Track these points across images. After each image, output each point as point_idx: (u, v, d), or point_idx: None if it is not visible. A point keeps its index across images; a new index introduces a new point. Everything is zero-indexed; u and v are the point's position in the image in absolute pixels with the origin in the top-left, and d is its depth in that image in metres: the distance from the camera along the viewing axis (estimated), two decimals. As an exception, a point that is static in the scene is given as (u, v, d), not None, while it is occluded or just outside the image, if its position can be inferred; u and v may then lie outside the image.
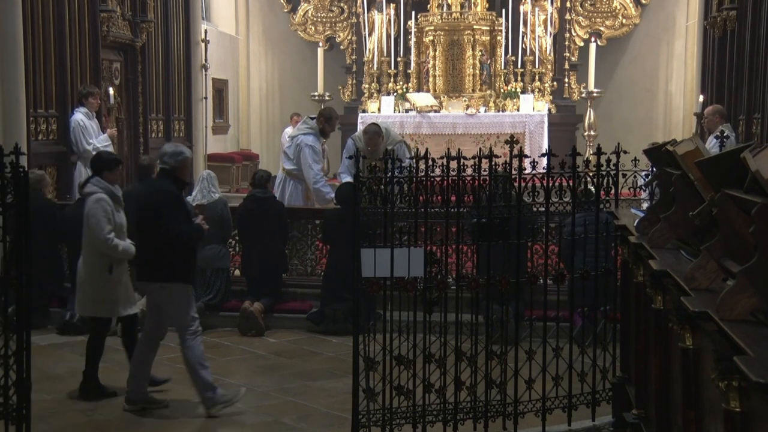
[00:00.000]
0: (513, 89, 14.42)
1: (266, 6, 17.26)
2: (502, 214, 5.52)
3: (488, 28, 14.55)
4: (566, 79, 15.32)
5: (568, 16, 15.40)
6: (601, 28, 15.59)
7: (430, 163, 5.30)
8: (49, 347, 7.69)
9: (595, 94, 13.86)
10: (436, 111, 14.15)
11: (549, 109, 14.30)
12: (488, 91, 14.46)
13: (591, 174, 5.69)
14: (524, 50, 14.68)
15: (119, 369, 6.79)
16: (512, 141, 5.58)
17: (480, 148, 5.70)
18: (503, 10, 14.47)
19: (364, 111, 14.63)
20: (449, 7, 14.51)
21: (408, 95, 14.46)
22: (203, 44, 14.87)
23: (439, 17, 14.60)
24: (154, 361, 6.27)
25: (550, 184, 5.49)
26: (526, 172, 5.48)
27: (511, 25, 14.47)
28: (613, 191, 5.72)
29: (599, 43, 14.89)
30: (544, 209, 5.56)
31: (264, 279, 8.48)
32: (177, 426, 5.98)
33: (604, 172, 5.67)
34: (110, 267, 6.28)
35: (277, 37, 17.26)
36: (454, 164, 5.34)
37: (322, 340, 7.98)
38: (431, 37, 14.58)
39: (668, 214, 4.09)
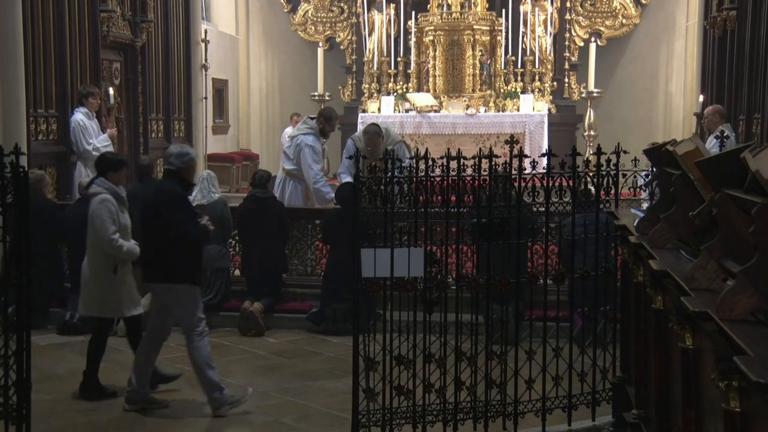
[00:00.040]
0: (513, 89, 14.42)
1: (266, 6, 17.26)
2: (502, 214, 5.52)
3: (488, 28, 14.55)
4: (566, 79, 15.32)
5: (568, 16, 15.40)
6: (601, 28, 15.60)
7: (430, 163, 5.30)
8: (49, 347, 7.70)
9: (595, 94, 13.86)
10: (436, 111, 14.15)
11: (549, 109, 14.30)
12: (488, 91, 14.46)
13: (591, 174, 5.69)
14: (524, 50, 14.69)
15: (119, 369, 6.80)
16: (512, 141, 5.58)
17: (480, 148, 5.70)
18: (503, 10, 14.47)
19: (364, 111, 14.63)
20: (449, 7, 14.51)
21: (408, 95, 14.46)
22: (203, 44, 14.87)
23: (439, 17, 14.60)
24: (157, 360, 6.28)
25: (550, 184, 5.49)
26: (526, 172, 5.48)
27: (511, 25, 14.47)
28: (613, 191, 5.72)
29: (599, 43, 14.90)
30: (544, 209, 5.56)
31: (264, 279, 8.48)
32: (177, 426, 5.98)
33: (604, 172, 5.67)
34: (115, 267, 6.29)
35: (277, 37, 17.26)
36: (454, 164, 5.34)
37: (322, 340, 7.98)
38: (431, 37, 14.58)
39: (668, 214, 4.09)
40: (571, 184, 5.56)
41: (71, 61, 10.32)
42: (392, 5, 15.04)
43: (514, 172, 5.45)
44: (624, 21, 15.65)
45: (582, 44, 15.33)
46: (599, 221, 5.75)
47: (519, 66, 14.65)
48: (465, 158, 5.38)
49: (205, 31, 15.05)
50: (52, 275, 8.45)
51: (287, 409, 6.19)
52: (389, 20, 15.00)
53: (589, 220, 5.78)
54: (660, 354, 4.01)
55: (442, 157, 5.32)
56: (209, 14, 16.30)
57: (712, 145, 7.98)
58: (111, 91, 11.30)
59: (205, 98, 15.02)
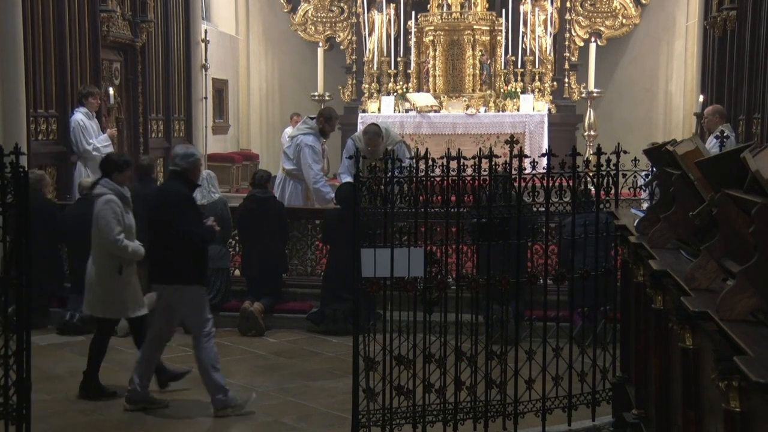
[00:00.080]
0: (513, 89, 14.42)
1: (266, 6, 17.26)
2: (502, 214, 5.52)
3: (488, 28, 14.55)
4: (566, 79, 15.32)
5: (568, 16, 15.40)
6: (601, 28, 15.59)
7: (430, 163, 5.30)
8: (49, 347, 7.70)
9: (595, 94, 13.86)
10: (436, 111, 14.15)
11: (549, 109, 14.30)
12: (488, 91, 14.46)
13: (591, 174, 5.69)
14: (524, 50, 14.69)
15: (119, 369, 6.81)
16: (512, 141, 5.58)
17: (480, 148, 5.70)
18: (503, 10, 14.47)
19: (364, 111, 14.63)
20: (449, 7, 14.51)
21: (408, 95, 14.46)
22: (203, 44, 14.87)
23: (439, 17, 14.60)
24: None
25: (550, 184, 5.49)
26: (526, 172, 5.48)
27: (511, 25, 14.47)
28: (613, 191, 5.72)
29: (599, 43, 14.89)
30: (544, 209, 5.56)
31: (264, 279, 8.49)
32: (178, 426, 5.98)
33: (604, 172, 5.67)
34: (120, 268, 6.30)
35: (277, 37, 17.26)
36: (454, 164, 5.34)
37: (322, 340, 7.98)
38: (431, 37, 14.58)
39: (668, 214, 4.09)
40: (571, 184, 5.56)
41: (71, 61, 10.32)
42: (392, 5, 15.04)
43: (514, 172, 5.45)
44: (624, 21, 15.65)
45: (582, 44, 15.33)
46: (599, 221, 5.75)
47: (519, 66, 14.65)
48: (465, 158, 5.38)
49: (205, 31, 15.05)
50: (52, 275, 8.45)
51: (287, 409, 6.19)
52: (389, 20, 15.00)
53: (589, 220, 5.78)
54: (660, 354, 4.01)
55: (442, 157, 5.32)
56: (209, 14, 16.30)
57: (712, 145, 7.98)
58: (111, 91, 11.30)
59: (205, 98, 15.02)
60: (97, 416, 6.05)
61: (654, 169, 5.38)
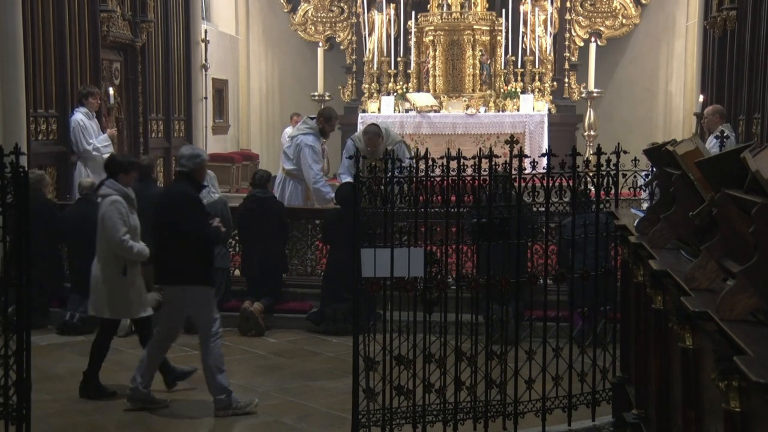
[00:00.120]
0: (513, 89, 14.42)
1: (266, 6, 17.26)
2: (502, 214, 5.52)
3: (488, 28, 14.55)
4: (566, 79, 15.32)
5: (568, 16, 15.40)
6: (601, 28, 15.59)
7: (430, 163, 5.30)
8: (49, 347, 7.70)
9: (595, 94, 13.86)
10: (436, 111, 14.15)
11: (549, 109, 14.30)
12: (488, 91, 14.46)
13: (591, 174, 5.69)
14: (524, 50, 14.68)
15: (119, 369, 6.81)
16: (512, 141, 5.58)
17: (480, 148, 5.70)
18: (503, 10, 14.47)
19: (364, 111, 14.64)
20: (449, 7, 14.51)
21: (408, 95, 14.46)
22: (203, 44, 14.88)
23: (439, 17, 14.60)
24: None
25: (550, 184, 5.49)
26: (526, 172, 5.48)
27: (511, 25, 14.47)
28: (613, 191, 5.72)
29: (599, 43, 14.90)
30: (544, 209, 5.56)
31: (264, 279, 8.48)
32: (178, 426, 5.98)
33: (604, 172, 5.67)
34: (124, 269, 6.30)
35: (277, 37, 17.26)
36: (454, 164, 5.34)
37: (322, 340, 7.98)
38: (431, 37, 14.58)
39: (668, 214, 4.09)
40: (571, 184, 5.56)
41: (71, 61, 10.32)
42: (392, 5, 15.04)
43: (514, 172, 5.45)
44: (624, 21, 15.65)
45: (582, 44, 15.33)
46: (599, 221, 5.75)
47: (519, 66, 14.65)
48: (465, 158, 5.38)
49: (205, 31, 15.05)
50: (52, 275, 8.45)
51: (287, 409, 6.19)
52: (389, 20, 15.00)
53: (589, 220, 5.78)
54: (660, 354, 4.01)
55: (442, 157, 5.32)
56: (209, 14, 16.30)
57: (712, 145, 7.98)
58: (111, 91, 11.31)
59: (205, 98, 15.03)
60: (97, 416, 6.05)
61: (654, 169, 5.38)
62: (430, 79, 14.64)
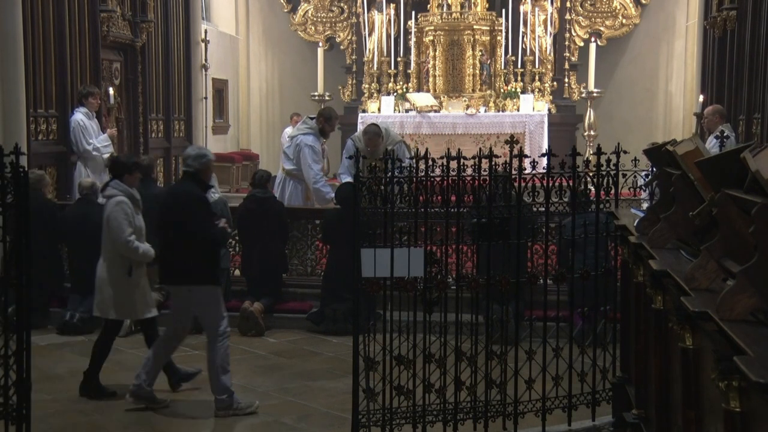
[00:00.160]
0: (513, 89, 14.42)
1: (266, 6, 17.26)
2: (502, 214, 5.52)
3: (488, 28, 14.55)
4: (566, 79, 15.32)
5: (568, 16, 15.40)
6: (601, 28, 15.60)
7: (430, 163, 5.30)
8: (49, 347, 7.70)
9: (595, 94, 13.86)
10: (436, 111, 14.15)
11: (549, 109, 14.30)
12: (488, 91, 14.46)
13: (591, 174, 5.69)
14: (524, 50, 14.69)
15: (119, 369, 6.81)
16: (512, 141, 5.58)
17: (480, 148, 5.70)
18: (503, 10, 14.47)
19: (364, 111, 14.64)
20: (449, 7, 14.51)
21: (408, 95, 14.46)
22: (203, 44, 14.88)
23: (439, 17, 14.60)
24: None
25: (550, 184, 5.49)
26: (526, 172, 5.48)
27: (511, 25, 14.47)
28: (613, 191, 5.72)
29: (599, 43, 14.90)
30: (544, 209, 5.56)
31: (264, 279, 8.48)
32: (178, 426, 5.98)
33: (604, 172, 5.67)
34: (129, 270, 6.30)
35: (277, 37, 17.26)
36: (454, 164, 5.34)
37: (322, 340, 7.98)
38: (431, 37, 14.58)
39: (668, 214, 4.09)
40: (571, 184, 5.56)
41: (71, 61, 10.32)
42: (392, 5, 15.04)
43: (514, 172, 5.45)
44: (624, 21, 15.65)
45: (582, 44, 15.33)
46: (599, 221, 5.75)
47: (519, 66, 14.65)
48: (465, 158, 5.38)
49: (205, 31, 15.05)
50: (52, 275, 8.45)
51: (287, 409, 6.19)
52: (389, 20, 15.01)
53: (589, 220, 5.78)
54: (660, 354, 4.01)
55: (442, 157, 5.32)
56: (209, 14, 16.30)
57: (712, 145, 7.98)
58: (111, 91, 11.30)
59: (205, 98, 15.03)
60: (97, 416, 6.05)
61: (654, 169, 5.38)
62: (430, 79, 14.64)
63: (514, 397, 5.50)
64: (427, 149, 5.53)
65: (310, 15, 16.37)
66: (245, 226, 8.61)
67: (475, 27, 14.42)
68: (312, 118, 9.76)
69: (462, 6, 14.49)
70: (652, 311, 4.07)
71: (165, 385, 6.43)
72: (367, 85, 15.06)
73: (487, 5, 14.86)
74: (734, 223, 2.99)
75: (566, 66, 15.37)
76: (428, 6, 14.96)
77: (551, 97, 14.71)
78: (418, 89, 14.73)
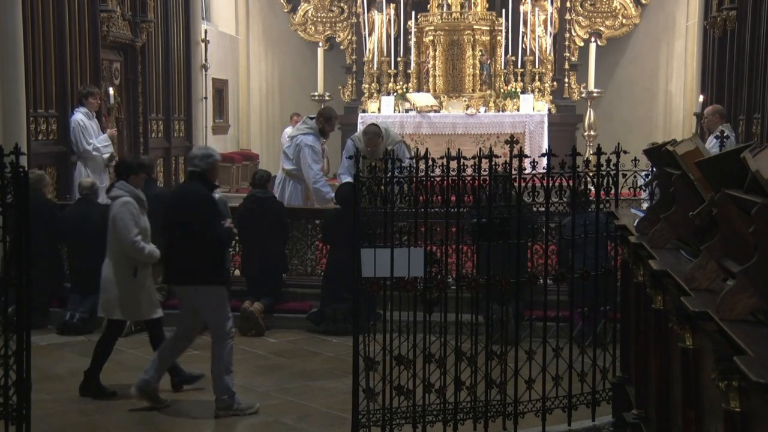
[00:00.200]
0: (513, 89, 14.42)
1: (266, 6, 17.26)
2: (502, 214, 5.52)
3: (488, 28, 14.55)
4: (566, 79, 15.33)
5: (568, 16, 15.41)
6: (601, 28, 15.60)
7: (430, 163, 5.30)
8: (49, 347, 7.70)
9: (595, 94, 13.87)
10: (436, 111, 14.15)
11: (549, 109, 14.30)
12: (488, 91, 14.46)
13: (591, 174, 5.69)
14: (524, 50, 14.69)
15: (119, 369, 6.81)
16: (512, 141, 5.58)
17: (480, 148, 5.70)
18: (503, 10, 14.48)
19: (364, 111, 14.64)
20: (449, 7, 14.51)
21: (408, 95, 14.46)
22: (203, 44, 14.88)
23: (439, 17, 14.60)
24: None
25: (550, 184, 5.49)
26: (526, 172, 5.48)
27: (511, 25, 14.47)
28: (613, 191, 5.72)
29: (599, 43, 14.90)
30: (544, 209, 5.56)
31: (264, 279, 8.48)
32: (178, 425, 5.98)
33: (604, 172, 5.67)
34: (135, 270, 6.31)
35: (277, 37, 17.26)
36: (454, 164, 5.33)
37: (322, 340, 7.98)
38: (431, 37, 14.58)
39: (668, 214, 4.09)
40: (571, 184, 5.56)
41: (71, 61, 10.32)
42: (392, 5, 15.04)
43: (514, 172, 5.45)
44: (624, 21, 15.65)
45: (582, 44, 15.33)
46: (599, 221, 5.75)
47: (519, 66, 14.66)
48: (465, 158, 5.38)
49: (205, 31, 15.05)
50: (52, 275, 8.44)
51: (287, 409, 6.19)
52: (389, 20, 15.01)
53: (589, 220, 5.78)
54: (660, 354, 4.01)
55: (442, 157, 5.32)
56: (209, 14, 16.30)
57: (712, 145, 7.98)
58: (111, 91, 11.30)
59: (205, 98, 15.03)
60: (97, 416, 6.05)
61: (654, 169, 5.38)
62: (430, 79, 14.64)
63: (514, 397, 5.50)
64: (427, 149, 5.52)
65: (310, 15, 16.37)
66: (245, 226, 8.60)
67: (475, 27, 14.43)
68: (312, 118, 9.76)
69: (462, 6, 14.49)
70: (652, 311, 4.07)
71: (166, 385, 6.42)
72: (367, 85, 15.06)
73: (487, 5, 14.86)
74: (734, 223, 2.99)
75: (566, 66, 15.37)
76: (428, 6, 14.96)
77: (551, 97, 14.71)
78: (418, 89, 14.73)
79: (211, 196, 6.09)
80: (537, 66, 14.60)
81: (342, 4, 16.27)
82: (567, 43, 15.43)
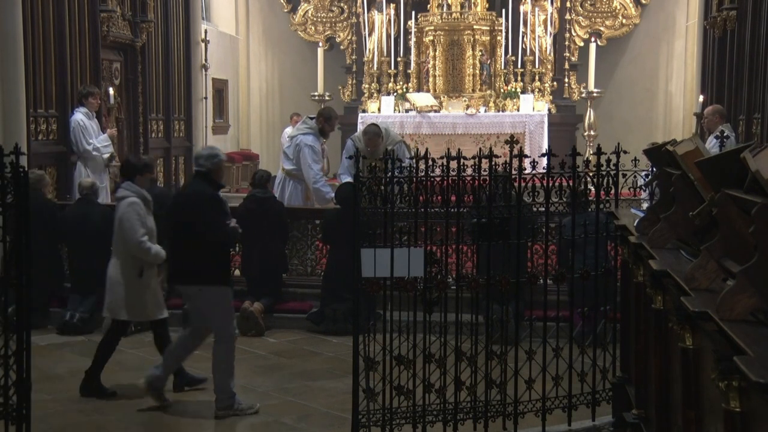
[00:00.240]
0: (513, 89, 14.42)
1: (266, 6, 17.26)
2: (502, 214, 5.52)
3: (488, 28, 14.55)
4: (566, 79, 15.32)
5: (568, 16, 15.40)
6: (601, 28, 15.60)
7: (430, 163, 5.30)
8: (49, 347, 7.70)
9: (595, 94, 13.86)
10: (436, 111, 14.15)
11: (549, 109, 14.30)
12: (488, 91, 14.46)
13: (591, 174, 5.69)
14: (524, 50, 14.69)
15: (120, 369, 6.81)
16: (512, 141, 5.58)
17: (480, 148, 5.70)
18: (503, 10, 14.47)
19: (364, 111, 14.64)
20: (449, 7, 14.51)
21: (408, 95, 14.46)
22: (203, 44, 14.87)
23: (439, 17, 14.60)
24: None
25: (550, 184, 5.49)
26: (526, 172, 5.48)
27: (511, 25, 14.47)
28: (613, 191, 5.72)
29: (599, 43, 14.90)
30: (544, 209, 5.56)
31: (264, 279, 8.48)
32: (178, 425, 5.99)
33: (604, 172, 5.67)
34: (140, 271, 6.31)
35: (277, 37, 17.26)
36: (454, 164, 5.34)
37: (322, 340, 7.98)
38: (431, 37, 14.58)
39: (668, 214, 4.09)
40: (571, 184, 5.56)
41: (71, 61, 10.31)
42: (392, 5, 15.04)
43: (514, 172, 5.45)
44: (624, 21, 15.65)
45: (582, 44, 15.33)
46: (599, 221, 5.75)
47: (519, 66, 14.65)
48: (465, 158, 5.38)
49: (205, 31, 15.05)
50: (52, 275, 8.44)
51: (287, 409, 6.19)
52: (389, 20, 15.01)
53: (589, 220, 5.78)
54: (660, 354, 4.01)
55: (442, 157, 5.32)
56: (209, 14, 16.30)
57: (712, 145, 7.98)
58: (111, 91, 11.30)
59: (205, 98, 15.03)
60: (97, 416, 6.05)
61: (654, 169, 5.38)
62: (430, 79, 14.64)
63: (514, 397, 5.50)
64: (427, 149, 5.52)
65: (310, 15, 16.37)
66: (245, 226, 8.54)
67: (475, 27, 14.42)
68: (312, 118, 9.76)
69: (462, 6, 14.49)
70: (652, 311, 4.07)
71: (168, 385, 6.42)
72: (367, 85, 15.06)
73: (487, 5, 14.86)
74: (734, 223, 2.99)
75: (566, 66, 15.37)
76: (428, 6, 14.95)
77: (551, 97, 14.71)
78: (418, 89, 14.73)
79: (216, 196, 6.09)
80: (537, 66, 14.60)
81: (342, 4, 16.27)
82: (567, 43, 15.43)
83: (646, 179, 5.76)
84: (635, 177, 5.75)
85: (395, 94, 14.62)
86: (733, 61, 10.92)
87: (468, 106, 14.08)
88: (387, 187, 5.27)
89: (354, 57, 15.93)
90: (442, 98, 14.35)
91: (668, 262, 3.74)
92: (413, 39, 14.83)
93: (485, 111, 14.18)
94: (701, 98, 12.13)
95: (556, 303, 5.70)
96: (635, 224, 4.77)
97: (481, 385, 5.43)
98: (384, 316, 5.34)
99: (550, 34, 14.78)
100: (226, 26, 16.84)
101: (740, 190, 2.88)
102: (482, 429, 5.48)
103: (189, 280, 6.03)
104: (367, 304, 5.88)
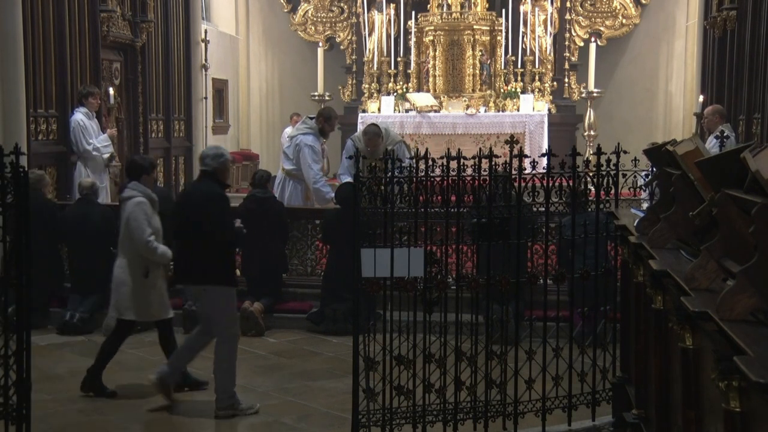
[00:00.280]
0: (513, 89, 14.42)
1: (266, 6, 17.26)
2: (502, 214, 5.52)
3: (488, 28, 14.55)
4: (566, 79, 15.32)
5: (568, 16, 15.40)
6: (601, 28, 15.59)
7: (430, 163, 5.30)
8: (49, 347, 7.70)
9: (595, 94, 13.86)
10: (436, 111, 14.15)
11: (549, 109, 14.30)
12: (488, 91, 14.46)
13: (591, 174, 5.69)
14: (524, 50, 14.69)
15: (120, 369, 6.81)
16: (512, 141, 5.58)
17: (480, 148, 5.70)
18: (503, 10, 14.47)
19: (364, 111, 14.64)
20: (449, 7, 14.51)
21: (408, 95, 14.46)
22: (203, 44, 14.87)
23: (439, 17, 14.60)
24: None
25: (550, 184, 5.49)
26: (526, 172, 5.48)
27: (511, 25, 14.47)
28: (613, 191, 5.72)
29: (599, 43, 14.90)
30: (544, 209, 5.56)
31: (264, 279, 8.48)
32: (178, 425, 5.99)
33: (604, 172, 5.67)
34: (146, 271, 6.31)
35: (277, 37, 17.26)
36: (454, 164, 5.34)
37: (322, 340, 7.98)
38: (431, 37, 14.58)
39: (668, 214, 4.09)
40: (571, 184, 5.56)
41: (71, 61, 10.31)
42: (392, 5, 15.04)
43: (514, 172, 5.45)
44: (624, 21, 15.65)
45: (582, 44, 15.33)
46: (599, 221, 5.75)
47: (519, 66, 14.65)
48: (465, 158, 5.38)
49: (205, 31, 15.04)
50: (52, 275, 8.44)
51: (287, 409, 6.20)
52: (389, 20, 15.00)
53: (589, 220, 5.78)
54: (660, 354, 4.01)
55: (442, 157, 5.32)
56: (209, 14, 16.30)
57: (712, 145, 7.99)
58: (111, 91, 11.30)
59: (205, 98, 15.02)
60: (97, 416, 6.06)
61: (654, 169, 5.38)
62: (430, 79, 14.64)
63: (514, 397, 5.50)
64: (427, 149, 5.53)
65: (310, 15, 16.37)
66: (245, 226, 8.59)
67: (475, 27, 14.42)
68: (312, 118, 9.76)
69: (462, 6, 14.49)
70: (652, 311, 4.07)
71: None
72: (367, 85, 15.06)
73: (487, 5, 14.85)
74: (734, 223, 2.99)
75: (566, 66, 15.37)
76: (428, 6, 14.95)
77: (551, 97, 14.71)
78: (418, 89, 14.73)
79: (222, 195, 6.10)
80: (537, 66, 14.60)
81: (342, 4, 16.27)
82: (567, 43, 15.43)
83: (646, 179, 5.76)
84: (635, 177, 5.75)
85: (395, 94, 14.62)
86: (733, 61, 10.92)
87: (468, 106, 14.08)
88: (387, 187, 5.27)
89: (354, 57, 15.92)
90: (442, 98, 14.36)
91: (668, 262, 3.74)
92: (413, 39, 14.83)
93: (485, 111, 14.18)
94: (701, 98, 12.13)
95: (556, 303, 5.71)
96: (635, 224, 4.78)
97: (481, 385, 5.43)
98: (384, 316, 5.34)
99: (550, 34, 14.78)
100: (226, 26, 16.84)
101: (740, 190, 2.88)
102: (482, 429, 5.48)
103: (194, 280, 6.04)
104: (367, 304, 5.88)
